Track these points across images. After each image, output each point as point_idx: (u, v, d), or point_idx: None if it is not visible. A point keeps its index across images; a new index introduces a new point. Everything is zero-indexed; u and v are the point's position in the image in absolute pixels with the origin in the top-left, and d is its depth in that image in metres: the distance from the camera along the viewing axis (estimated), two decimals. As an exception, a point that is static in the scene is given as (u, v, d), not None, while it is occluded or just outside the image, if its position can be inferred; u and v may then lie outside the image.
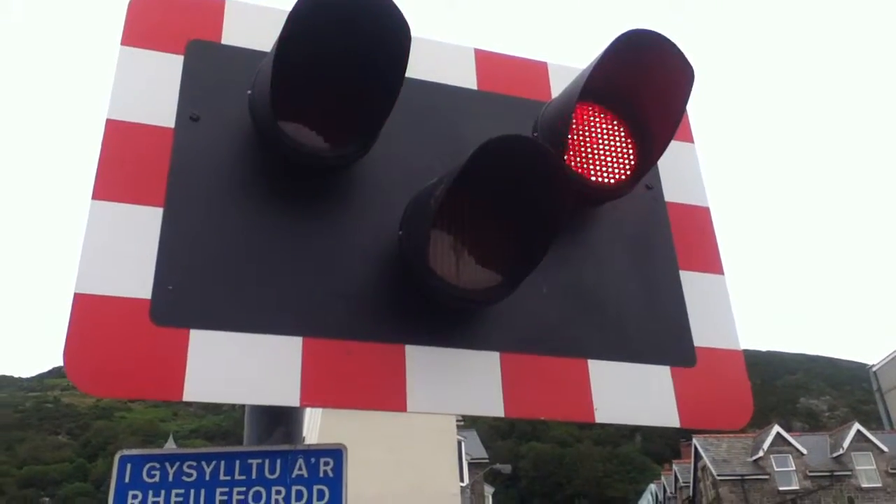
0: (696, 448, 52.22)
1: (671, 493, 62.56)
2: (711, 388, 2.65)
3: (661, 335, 2.68)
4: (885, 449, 47.77)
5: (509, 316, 2.49)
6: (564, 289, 2.63)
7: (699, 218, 3.01)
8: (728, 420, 2.65)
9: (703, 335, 2.73)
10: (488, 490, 52.67)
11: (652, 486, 73.09)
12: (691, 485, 54.69)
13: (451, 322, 2.42)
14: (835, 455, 48.27)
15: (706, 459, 49.73)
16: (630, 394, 2.54)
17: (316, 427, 25.12)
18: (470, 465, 44.22)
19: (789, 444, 48.33)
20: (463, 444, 40.71)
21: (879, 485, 46.89)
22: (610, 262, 2.77)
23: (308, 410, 13.16)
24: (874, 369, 67.35)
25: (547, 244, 2.28)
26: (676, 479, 59.45)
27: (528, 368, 2.46)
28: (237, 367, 2.15)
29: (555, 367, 2.49)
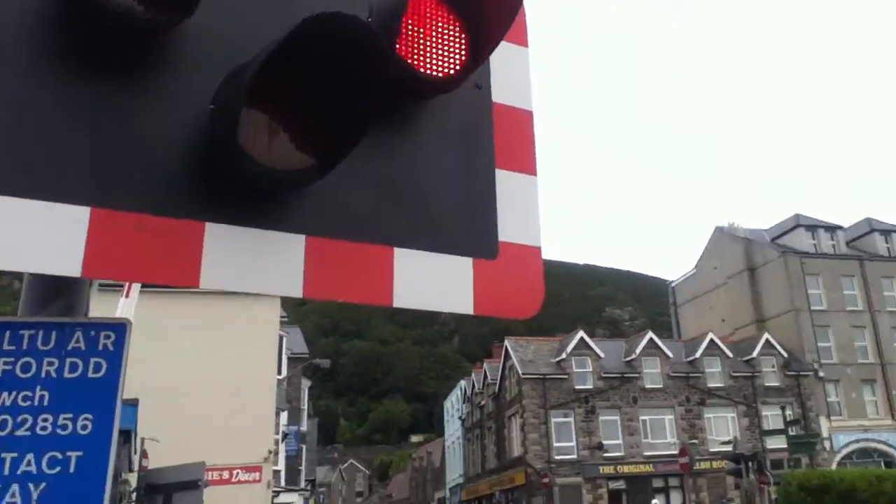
0: (506, 349, 55.77)
1: (479, 388, 66.78)
2: (507, 280, 2.75)
3: (469, 228, 2.74)
4: (671, 355, 53.57)
5: (320, 200, 2.42)
6: (379, 177, 2.60)
7: (522, 120, 3.06)
8: (518, 309, 2.77)
9: (507, 230, 2.81)
10: (305, 383, 53.57)
11: (462, 383, 77.52)
12: (498, 382, 58.60)
13: (257, 203, 2.31)
14: (627, 359, 53.43)
15: (514, 359, 53.30)
16: (431, 282, 2.58)
17: (130, 315, 24.17)
18: (290, 359, 44.71)
19: (590, 348, 52.83)
20: (285, 339, 40.97)
21: (660, 386, 52.74)
22: (429, 154, 2.76)
23: (122, 298, 12.56)
24: (673, 285, 75.00)
25: (363, 131, 2.22)
26: (485, 377, 63.38)
27: (334, 252, 2.42)
28: (14, 233, 1.95)
29: (360, 252, 2.48)
